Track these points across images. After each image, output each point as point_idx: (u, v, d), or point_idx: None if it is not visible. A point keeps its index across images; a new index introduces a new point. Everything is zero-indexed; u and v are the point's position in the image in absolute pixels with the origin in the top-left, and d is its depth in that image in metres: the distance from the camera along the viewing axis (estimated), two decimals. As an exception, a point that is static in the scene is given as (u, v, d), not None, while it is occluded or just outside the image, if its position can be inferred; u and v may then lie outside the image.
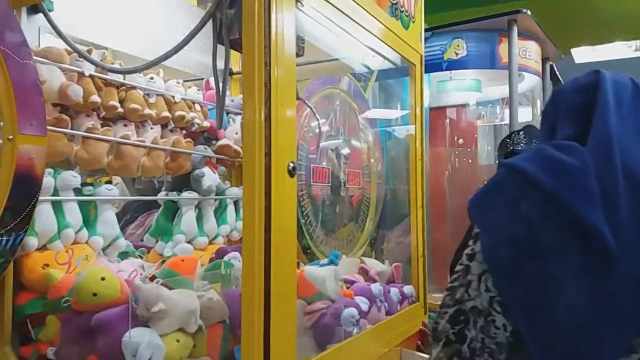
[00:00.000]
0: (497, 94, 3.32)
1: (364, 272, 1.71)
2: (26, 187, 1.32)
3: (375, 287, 1.58)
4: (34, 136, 1.34)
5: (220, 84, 1.25)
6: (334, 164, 2.56)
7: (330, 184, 2.51)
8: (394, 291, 1.67)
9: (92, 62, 1.51)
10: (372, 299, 1.53)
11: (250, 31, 1.09)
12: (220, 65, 1.26)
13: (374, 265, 1.79)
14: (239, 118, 2.18)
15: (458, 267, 0.86)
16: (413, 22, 1.81)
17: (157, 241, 1.96)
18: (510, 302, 0.79)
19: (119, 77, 1.71)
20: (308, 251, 2.36)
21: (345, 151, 2.61)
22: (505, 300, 0.79)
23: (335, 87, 2.61)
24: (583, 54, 4.61)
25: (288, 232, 1.15)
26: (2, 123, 1.30)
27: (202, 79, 2.18)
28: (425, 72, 2.13)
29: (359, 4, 1.46)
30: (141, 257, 1.91)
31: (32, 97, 1.34)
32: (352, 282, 1.60)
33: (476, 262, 0.83)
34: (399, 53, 1.75)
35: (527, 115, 3.59)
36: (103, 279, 1.34)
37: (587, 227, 0.75)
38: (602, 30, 4.90)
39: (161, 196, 1.99)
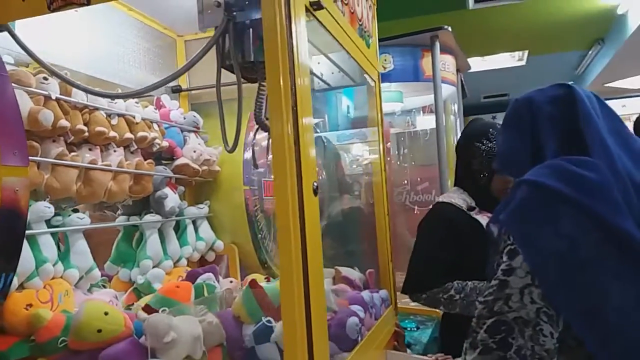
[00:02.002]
0: (417, 104, 3.55)
1: (347, 281, 1.77)
2: (13, 223, 1.22)
3: (366, 295, 1.65)
4: (18, 167, 1.24)
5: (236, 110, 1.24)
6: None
7: (278, 197, 2.53)
8: (376, 296, 1.75)
9: (73, 84, 1.42)
10: (365, 306, 1.60)
11: (273, 44, 1.09)
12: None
13: (350, 273, 1.85)
14: (193, 135, 2.14)
15: (493, 282, 0.93)
16: (372, 41, 1.92)
17: (119, 268, 1.87)
18: (564, 311, 0.88)
19: (82, 99, 1.61)
20: (266, 265, 2.36)
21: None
22: (556, 310, 0.88)
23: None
24: (475, 64, 5.08)
25: (318, 253, 1.17)
26: (-20, 154, 1.19)
27: (152, 96, 2.11)
28: (356, 85, 2.25)
29: (339, 24, 1.52)
30: (104, 287, 1.80)
31: (14, 124, 1.24)
32: (340, 292, 1.65)
33: (516, 277, 0.90)
34: (365, 70, 1.85)
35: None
36: (106, 313, 1.27)
37: (624, 236, 0.86)
38: (490, 42, 5.44)
39: (120, 221, 1.90)
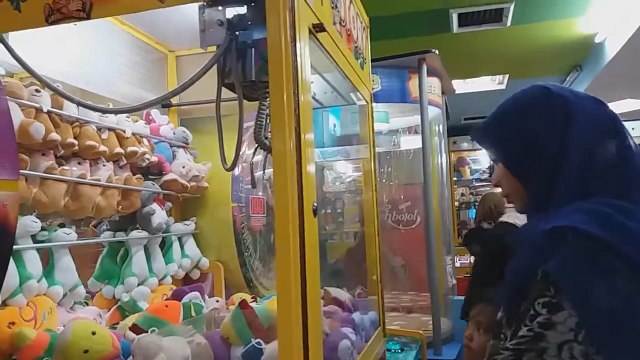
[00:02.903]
0: (402, 124, 3.59)
1: (337, 302, 1.76)
2: (1, 238, 1.18)
3: (357, 317, 1.64)
4: (7, 181, 1.20)
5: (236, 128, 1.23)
6: (268, 194, 2.58)
7: (265, 214, 2.52)
8: (366, 318, 1.74)
9: (71, 99, 1.39)
10: (355, 329, 1.59)
11: (278, 65, 1.09)
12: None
13: (340, 294, 1.84)
14: (182, 150, 2.12)
15: (525, 332, 0.89)
16: (365, 63, 1.93)
17: (103, 285, 1.82)
18: None
19: (73, 112, 1.58)
20: (251, 284, 2.33)
21: (277, 181, 2.64)
22: None
23: (265, 118, 2.64)
24: (457, 86, 5.17)
25: (316, 274, 1.16)
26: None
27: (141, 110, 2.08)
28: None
29: (337, 46, 1.53)
30: (87, 304, 1.76)
31: (6, 137, 1.21)
32: (330, 314, 1.63)
33: (556, 332, 0.86)
34: (359, 91, 1.86)
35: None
36: (94, 333, 1.24)
37: None
38: (473, 65, 5.54)
39: (106, 237, 1.86)
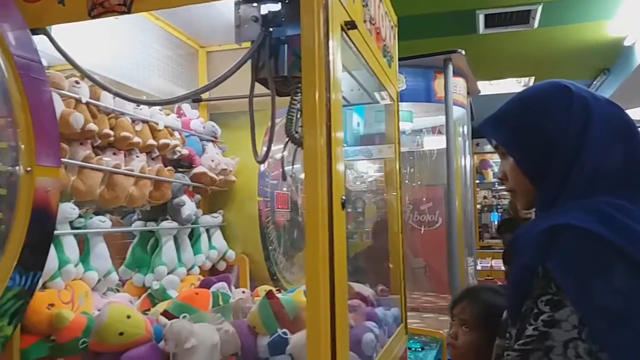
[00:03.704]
0: (426, 124, 3.60)
1: (360, 297, 1.78)
2: (43, 223, 1.23)
3: (380, 311, 1.66)
4: (51, 167, 1.26)
5: (269, 123, 1.27)
6: (292, 189, 2.61)
7: (289, 210, 2.56)
8: (389, 314, 1.76)
9: (113, 91, 1.45)
10: (379, 323, 1.61)
11: (311, 61, 1.12)
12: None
13: (363, 289, 1.86)
14: (210, 144, 2.17)
15: (531, 332, 0.89)
16: (392, 61, 1.95)
17: (134, 273, 1.88)
18: None
19: (109, 104, 1.64)
20: (274, 277, 2.37)
21: (302, 175, 2.68)
22: None
23: (291, 115, 2.67)
24: (482, 87, 5.15)
25: (343, 266, 1.19)
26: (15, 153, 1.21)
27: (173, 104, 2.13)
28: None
29: (367, 43, 1.56)
30: (118, 290, 1.81)
31: (49, 125, 1.27)
32: (354, 307, 1.66)
33: (560, 330, 0.86)
34: (386, 89, 1.88)
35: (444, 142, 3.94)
36: (129, 317, 1.29)
37: None
38: (499, 67, 5.51)
39: (137, 226, 1.91)
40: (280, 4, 1.28)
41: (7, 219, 1.16)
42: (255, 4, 1.30)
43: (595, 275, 0.86)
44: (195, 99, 2.28)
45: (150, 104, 1.66)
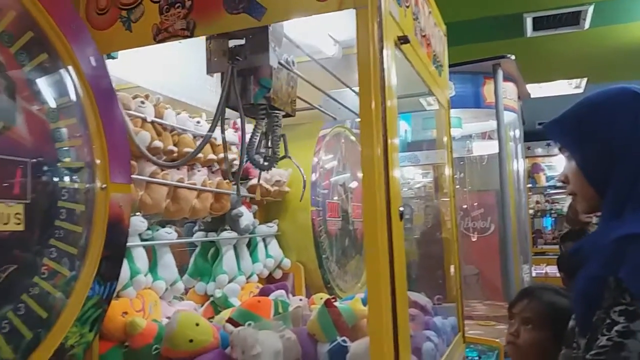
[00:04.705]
0: (475, 130, 3.58)
1: (418, 306, 1.79)
2: (117, 236, 1.32)
3: (439, 321, 1.67)
4: (122, 184, 1.35)
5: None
6: (342, 198, 2.66)
7: (340, 218, 2.60)
8: (447, 323, 1.77)
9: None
10: (438, 332, 1.62)
11: (367, 74, 1.17)
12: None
13: (420, 298, 1.87)
14: (265, 158, 2.23)
15: (605, 342, 0.88)
16: (442, 70, 1.97)
17: (196, 282, 1.96)
18: None
19: (172, 122, 1.73)
20: (328, 285, 2.41)
21: (353, 184, 2.72)
22: None
23: (341, 126, 2.73)
24: (532, 90, 5.05)
25: (403, 276, 1.22)
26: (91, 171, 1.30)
27: (228, 118, 2.21)
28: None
29: (418, 54, 1.59)
30: (182, 299, 1.89)
31: (121, 143, 1.35)
32: (412, 316, 1.67)
33: (636, 341, 0.85)
34: (437, 97, 1.90)
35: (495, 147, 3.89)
36: (197, 324, 1.35)
37: None
38: (549, 69, 5.40)
39: (199, 237, 2.00)
40: (244, 39, 1.44)
41: (86, 233, 1.25)
42: (222, 40, 1.46)
43: None
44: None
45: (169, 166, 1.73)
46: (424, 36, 1.68)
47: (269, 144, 1.62)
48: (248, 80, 1.48)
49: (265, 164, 1.61)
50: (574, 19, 4.24)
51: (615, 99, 1.05)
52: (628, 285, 0.87)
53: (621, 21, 4.42)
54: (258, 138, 1.56)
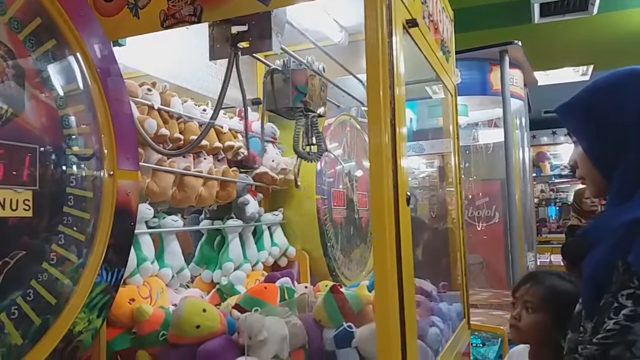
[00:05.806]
0: (481, 117, 3.55)
1: (423, 292, 1.80)
2: (125, 223, 1.32)
3: (444, 306, 1.67)
4: (130, 171, 1.34)
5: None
6: (347, 187, 2.65)
7: (345, 207, 2.60)
8: (452, 309, 1.77)
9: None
10: (443, 318, 1.63)
11: (375, 58, 1.16)
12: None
13: (425, 284, 1.88)
14: (270, 145, 2.23)
15: (612, 326, 0.88)
16: (450, 56, 1.96)
17: (202, 270, 1.96)
18: None
19: (179, 109, 1.72)
20: (333, 273, 2.42)
21: (358, 173, 2.71)
22: None
23: (346, 114, 2.72)
24: (538, 78, 5.02)
25: (410, 262, 1.21)
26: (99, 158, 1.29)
27: (234, 107, 2.21)
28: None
29: (426, 39, 1.57)
30: (188, 286, 1.90)
31: (128, 131, 1.35)
32: (418, 302, 1.68)
33: None
34: (444, 84, 1.89)
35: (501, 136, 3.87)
36: (204, 310, 1.36)
37: None
38: (556, 56, 5.35)
39: (205, 225, 2.00)
40: (247, 25, 1.47)
41: (93, 220, 1.25)
42: (225, 26, 1.49)
43: None
44: (255, 101, 2.34)
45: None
46: (432, 21, 1.67)
47: (313, 140, 1.89)
48: (287, 86, 1.72)
49: (312, 155, 1.90)
50: (583, 4, 4.19)
51: (621, 81, 1.04)
52: (637, 269, 0.87)
53: (630, 6, 4.37)
54: (300, 135, 1.81)
